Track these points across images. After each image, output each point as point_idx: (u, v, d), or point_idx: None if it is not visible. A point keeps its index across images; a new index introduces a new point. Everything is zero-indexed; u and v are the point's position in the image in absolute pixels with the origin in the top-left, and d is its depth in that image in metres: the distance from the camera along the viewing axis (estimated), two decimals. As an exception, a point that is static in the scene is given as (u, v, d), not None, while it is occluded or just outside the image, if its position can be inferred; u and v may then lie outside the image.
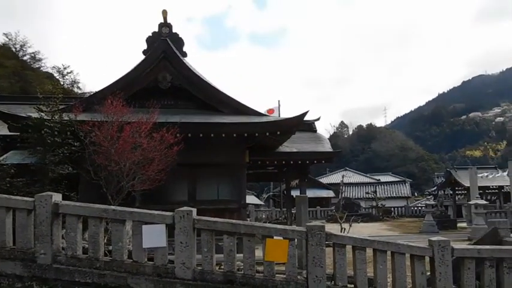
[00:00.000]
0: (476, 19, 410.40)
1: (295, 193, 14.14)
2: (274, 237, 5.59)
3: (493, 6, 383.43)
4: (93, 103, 10.96)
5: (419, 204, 41.21)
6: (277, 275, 5.57)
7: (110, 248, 5.78)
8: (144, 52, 12.71)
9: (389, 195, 43.63)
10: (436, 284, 5.61)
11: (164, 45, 12.44)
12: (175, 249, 5.50)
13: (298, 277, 5.59)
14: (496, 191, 33.95)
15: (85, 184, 10.46)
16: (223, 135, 11.12)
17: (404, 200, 43.88)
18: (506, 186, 28.29)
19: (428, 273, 5.85)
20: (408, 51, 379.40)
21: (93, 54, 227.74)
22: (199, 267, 5.55)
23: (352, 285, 5.65)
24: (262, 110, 16.27)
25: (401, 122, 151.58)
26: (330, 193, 41.20)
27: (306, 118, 13.71)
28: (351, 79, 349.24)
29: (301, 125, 12.69)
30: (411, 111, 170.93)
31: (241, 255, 5.61)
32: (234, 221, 5.78)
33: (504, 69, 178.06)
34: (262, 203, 42.48)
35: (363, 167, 65.86)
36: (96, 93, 12.22)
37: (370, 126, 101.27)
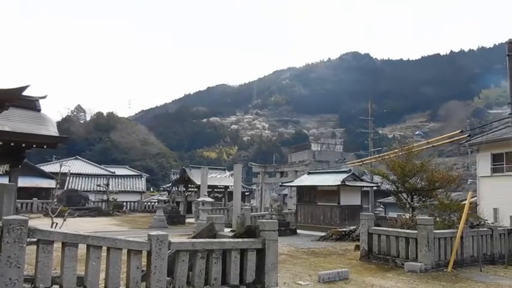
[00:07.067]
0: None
1: (4, 180, 12.22)
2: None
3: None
4: None
5: (153, 200, 43.37)
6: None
7: None
8: None
9: (123, 189, 44.00)
10: (151, 277, 5.92)
11: None
12: None
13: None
14: (223, 190, 39.57)
15: None
16: None
17: (139, 194, 45.31)
18: (231, 186, 33.14)
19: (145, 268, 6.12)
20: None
21: None
22: None
23: (58, 286, 5.30)
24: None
25: (145, 116, 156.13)
26: (53, 183, 38.10)
27: (31, 94, 12.24)
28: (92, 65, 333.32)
29: (17, 100, 11.02)
30: (157, 107, 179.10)
31: None
32: None
33: (242, 84, 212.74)
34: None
35: (99, 158, 64.37)
36: None
37: (111, 114, 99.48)
